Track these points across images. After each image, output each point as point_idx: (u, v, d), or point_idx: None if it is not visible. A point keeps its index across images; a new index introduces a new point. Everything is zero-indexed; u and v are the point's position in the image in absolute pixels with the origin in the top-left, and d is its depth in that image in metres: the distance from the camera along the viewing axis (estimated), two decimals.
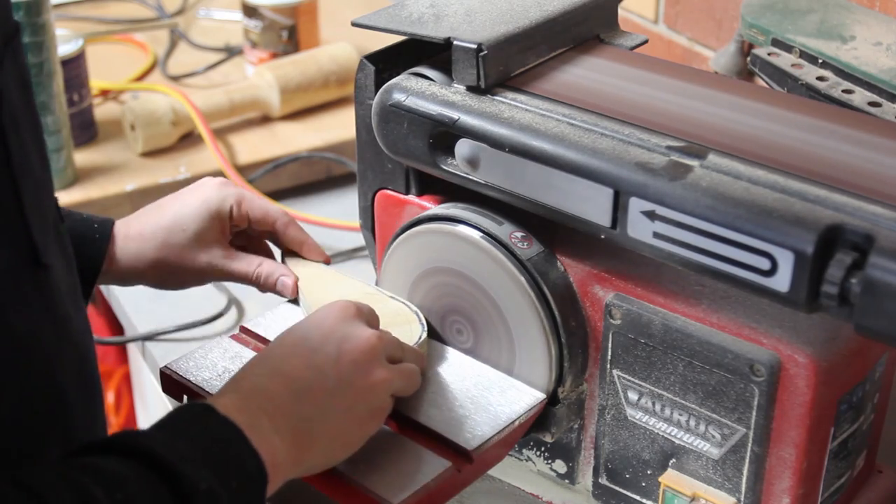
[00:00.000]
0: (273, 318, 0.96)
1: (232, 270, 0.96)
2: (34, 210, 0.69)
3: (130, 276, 0.97)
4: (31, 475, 0.62)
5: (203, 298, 1.25)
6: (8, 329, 0.67)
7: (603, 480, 0.90)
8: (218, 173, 1.38)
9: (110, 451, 0.67)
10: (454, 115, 0.85)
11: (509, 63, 0.88)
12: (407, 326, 0.91)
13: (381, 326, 0.87)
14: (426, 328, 0.91)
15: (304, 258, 0.99)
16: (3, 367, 0.67)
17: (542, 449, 0.94)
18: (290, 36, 1.59)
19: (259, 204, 0.97)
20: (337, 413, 0.78)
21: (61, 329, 0.73)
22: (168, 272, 0.96)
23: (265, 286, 0.97)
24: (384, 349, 0.82)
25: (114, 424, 1.71)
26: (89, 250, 0.93)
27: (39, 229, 0.70)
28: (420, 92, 0.87)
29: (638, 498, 0.89)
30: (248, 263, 0.97)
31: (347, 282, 0.97)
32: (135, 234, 0.95)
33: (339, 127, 1.49)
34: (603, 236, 0.81)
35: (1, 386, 0.66)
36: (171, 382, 0.90)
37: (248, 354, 0.91)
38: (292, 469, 0.75)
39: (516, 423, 0.86)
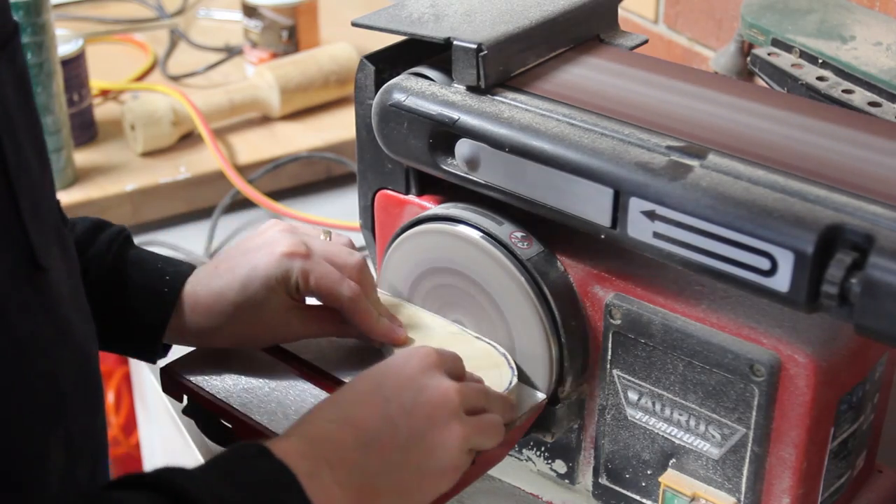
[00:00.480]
0: None
1: (315, 334, 0.90)
2: (32, 213, 0.68)
3: (199, 342, 0.91)
4: None
5: None
6: (7, 332, 0.66)
7: (603, 480, 0.90)
8: (218, 173, 1.38)
9: (144, 487, 0.65)
10: (454, 115, 0.85)
11: (509, 63, 0.88)
12: (496, 371, 0.87)
13: (468, 369, 0.83)
14: (516, 372, 0.87)
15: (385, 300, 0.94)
16: (3, 369, 0.66)
17: (542, 449, 0.94)
18: (290, 36, 1.59)
19: (327, 282, 0.87)
20: (406, 469, 0.74)
21: (62, 332, 0.72)
22: (240, 341, 0.90)
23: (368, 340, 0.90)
24: (463, 402, 0.78)
25: (114, 424, 1.71)
26: (155, 303, 0.89)
27: (38, 232, 0.69)
28: (420, 92, 0.87)
29: (638, 498, 0.89)
30: (332, 325, 0.89)
31: (431, 321, 0.93)
32: (203, 305, 0.88)
33: (339, 127, 1.49)
34: (603, 236, 0.81)
35: (1, 389, 0.66)
36: (172, 382, 0.90)
37: (246, 354, 0.91)
38: None
39: (516, 423, 0.86)
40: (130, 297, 0.87)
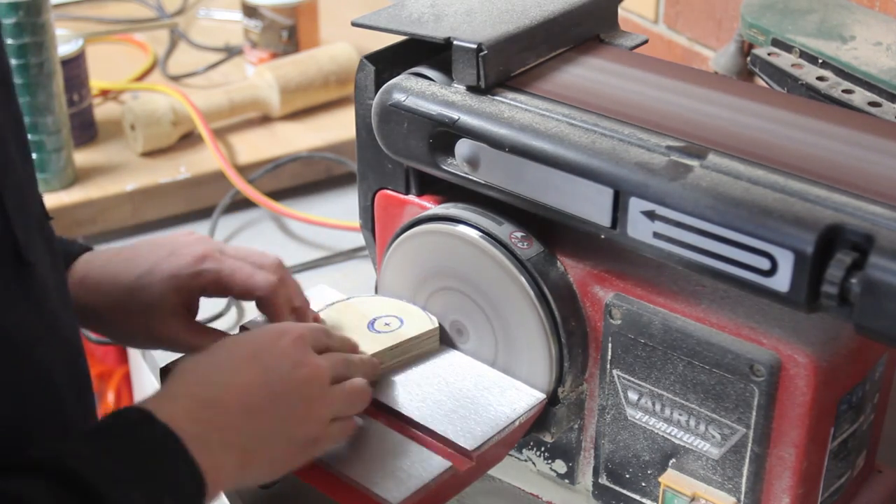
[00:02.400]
0: None
1: (191, 346, 0.88)
2: (16, 208, 0.69)
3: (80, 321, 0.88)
4: None
5: (203, 299, 1.25)
6: None
7: (603, 480, 0.90)
8: (218, 173, 1.38)
9: (34, 470, 0.64)
10: (454, 115, 0.85)
11: (509, 63, 0.88)
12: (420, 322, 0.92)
13: (392, 314, 0.88)
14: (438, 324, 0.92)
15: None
16: None
17: (542, 449, 0.94)
18: (290, 36, 1.59)
19: (241, 279, 0.88)
20: (280, 438, 0.77)
21: (50, 327, 0.72)
22: (117, 331, 0.90)
23: None
24: (333, 375, 0.81)
25: None
26: None
27: (22, 227, 0.69)
28: (420, 92, 0.87)
29: (638, 498, 0.89)
30: (210, 340, 0.87)
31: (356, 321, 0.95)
32: (92, 283, 0.88)
33: (339, 127, 1.49)
34: (603, 236, 0.81)
35: None
36: None
37: None
38: (232, 485, 0.74)
39: (516, 423, 0.86)
40: None
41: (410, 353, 0.92)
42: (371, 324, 0.93)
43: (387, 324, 0.92)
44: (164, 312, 0.87)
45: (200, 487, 0.69)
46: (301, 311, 0.91)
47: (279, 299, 0.88)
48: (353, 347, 0.88)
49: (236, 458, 0.73)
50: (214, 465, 0.71)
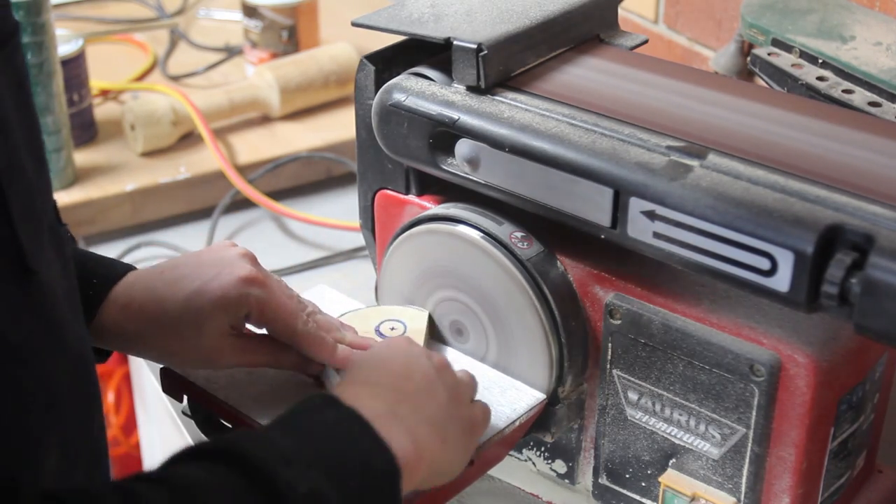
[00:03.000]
0: None
1: (246, 364, 0.86)
2: (24, 214, 0.67)
3: (120, 347, 0.87)
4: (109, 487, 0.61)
5: None
6: None
7: (603, 480, 0.90)
8: (218, 173, 1.38)
9: (203, 457, 0.64)
10: (454, 115, 0.85)
11: (509, 63, 0.88)
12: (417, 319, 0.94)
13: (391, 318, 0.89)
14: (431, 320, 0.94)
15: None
16: None
17: (542, 449, 0.94)
18: (290, 36, 1.59)
19: (284, 314, 0.84)
20: (448, 427, 0.76)
21: (55, 336, 0.71)
22: (163, 356, 0.87)
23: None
24: (472, 391, 0.82)
25: (114, 425, 1.71)
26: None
27: (29, 234, 0.68)
28: (420, 92, 0.87)
29: (638, 498, 0.89)
30: (266, 355, 0.86)
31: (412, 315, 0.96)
32: (136, 308, 0.84)
33: (339, 127, 1.49)
34: (603, 236, 0.81)
35: None
36: (172, 382, 0.90)
37: None
38: (428, 466, 0.72)
39: (516, 423, 0.86)
40: None
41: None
42: (378, 331, 0.92)
43: (392, 328, 0.92)
44: (214, 334, 0.84)
45: (392, 464, 0.67)
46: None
47: (316, 338, 0.85)
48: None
49: (411, 437, 0.71)
50: (406, 440, 0.70)
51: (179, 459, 0.65)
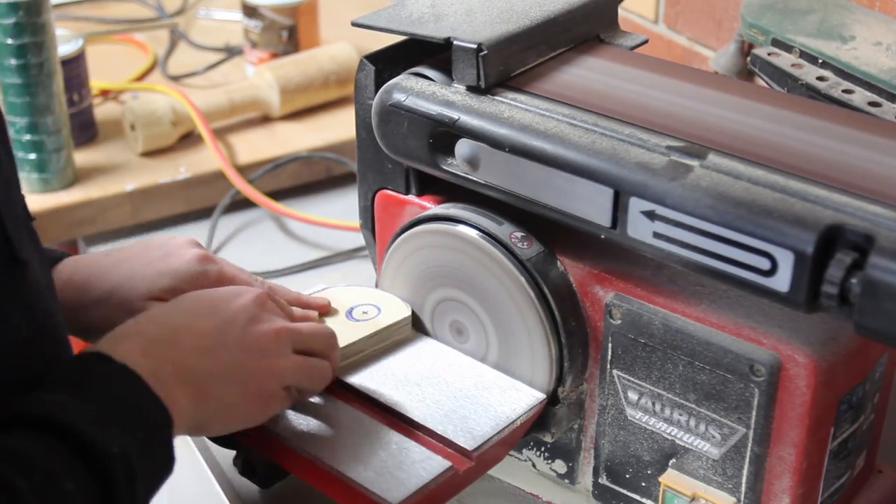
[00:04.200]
0: None
1: None
2: (6, 206, 0.69)
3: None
4: None
5: None
6: None
7: (603, 480, 0.90)
8: (218, 173, 1.38)
9: (19, 426, 0.66)
10: (454, 115, 0.85)
11: (509, 63, 0.88)
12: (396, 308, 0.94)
13: (369, 302, 0.90)
14: (410, 310, 0.95)
15: None
16: None
17: (542, 449, 0.94)
18: (290, 36, 1.59)
19: (239, 282, 0.90)
20: (234, 382, 0.78)
21: (42, 325, 0.73)
22: (99, 329, 0.83)
23: None
24: (290, 340, 0.82)
25: None
26: None
27: (13, 225, 0.69)
28: (420, 92, 0.87)
29: (638, 498, 0.89)
30: None
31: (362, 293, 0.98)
32: (80, 281, 0.88)
33: (339, 127, 1.49)
34: (603, 236, 0.81)
35: None
36: None
37: None
38: (189, 422, 0.75)
39: (516, 423, 0.86)
40: None
41: (389, 341, 0.94)
42: (349, 312, 0.95)
43: (365, 312, 0.94)
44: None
45: (165, 416, 0.71)
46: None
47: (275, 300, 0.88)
48: (309, 318, 0.89)
49: (190, 391, 0.74)
50: (171, 397, 0.72)
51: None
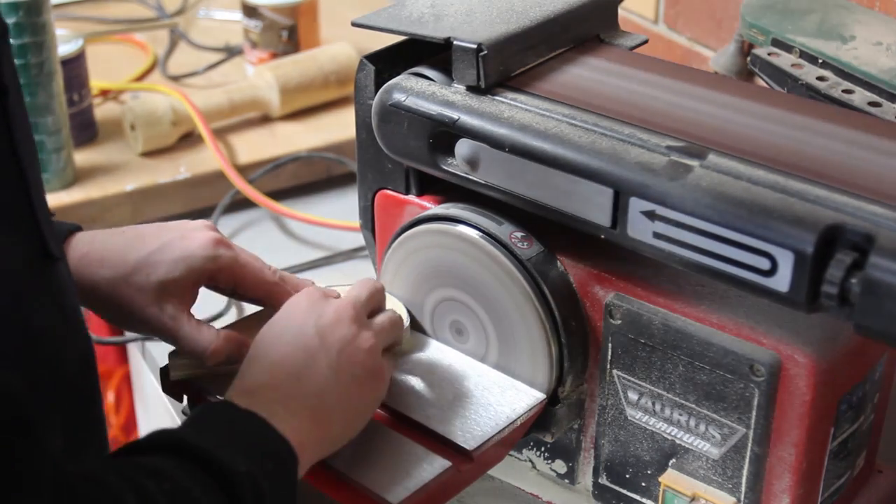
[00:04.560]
0: (269, 317, 0.95)
1: (178, 337, 0.87)
2: (39, 203, 0.70)
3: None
4: (91, 469, 0.64)
5: (203, 298, 1.25)
6: (22, 322, 0.67)
7: (603, 480, 0.90)
8: (218, 173, 1.38)
9: (144, 451, 0.69)
10: (454, 115, 0.85)
11: (509, 63, 0.88)
12: (396, 307, 0.94)
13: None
14: (407, 313, 0.94)
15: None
16: (15, 359, 0.67)
17: (542, 449, 0.94)
18: (290, 36, 1.59)
19: (252, 268, 0.89)
20: (340, 384, 0.79)
21: (69, 322, 0.74)
22: (112, 307, 0.88)
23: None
24: (358, 312, 0.83)
25: (114, 424, 1.71)
26: None
27: (46, 222, 0.71)
28: (420, 92, 0.87)
29: (638, 498, 0.89)
30: (201, 335, 0.87)
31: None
32: (95, 258, 0.87)
33: (339, 127, 1.49)
34: (603, 236, 0.81)
35: (10, 377, 0.67)
36: (172, 382, 0.90)
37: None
38: (319, 446, 0.78)
39: (516, 423, 0.86)
40: None
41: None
42: None
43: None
44: (169, 292, 0.86)
45: (291, 452, 0.73)
46: None
47: (285, 288, 0.90)
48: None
49: (308, 418, 0.77)
50: (292, 432, 0.74)
51: (123, 453, 0.69)
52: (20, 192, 0.68)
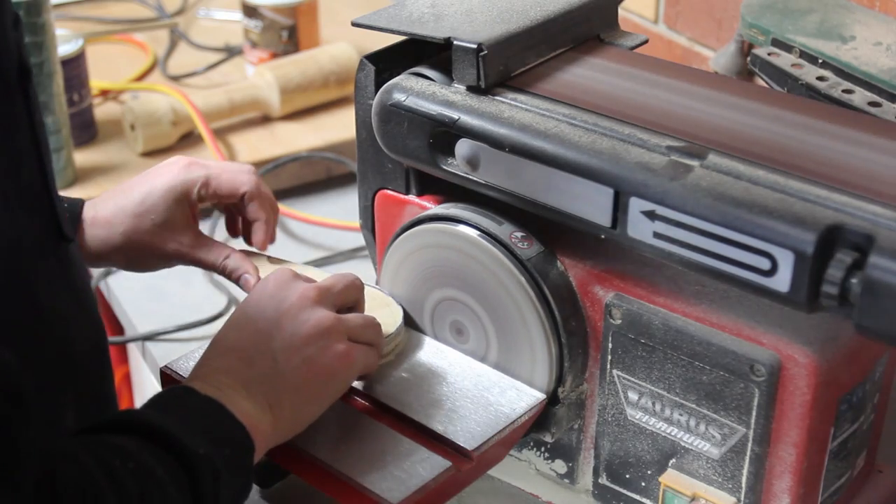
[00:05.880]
0: None
1: (198, 258, 0.96)
2: (54, 186, 0.73)
3: (98, 259, 0.97)
4: (69, 446, 0.66)
5: (203, 298, 1.25)
6: (33, 300, 0.69)
7: (603, 480, 0.90)
8: None
9: (111, 429, 0.70)
10: (454, 114, 0.85)
11: (509, 63, 0.88)
12: (387, 309, 0.93)
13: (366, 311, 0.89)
14: (402, 312, 0.94)
15: (272, 257, 1.00)
16: (26, 336, 0.68)
17: (542, 449, 0.94)
18: (290, 36, 1.59)
19: (227, 179, 0.96)
20: (292, 366, 0.79)
21: (79, 301, 0.76)
22: (135, 256, 0.96)
23: (230, 278, 0.97)
24: (323, 298, 0.83)
25: None
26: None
27: (60, 204, 0.73)
28: (420, 92, 0.87)
29: (638, 498, 0.89)
30: (216, 254, 0.96)
31: (315, 275, 0.96)
32: (102, 219, 0.95)
33: (339, 127, 1.49)
34: (603, 236, 0.81)
35: (21, 354, 0.68)
36: (172, 382, 0.90)
37: None
38: (272, 431, 0.78)
39: (516, 423, 0.86)
40: None
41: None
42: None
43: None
44: (173, 226, 0.94)
45: (247, 437, 0.74)
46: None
47: (262, 194, 0.96)
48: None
49: (261, 402, 0.77)
50: (245, 415, 0.75)
51: (89, 431, 0.71)
52: (38, 172, 0.70)
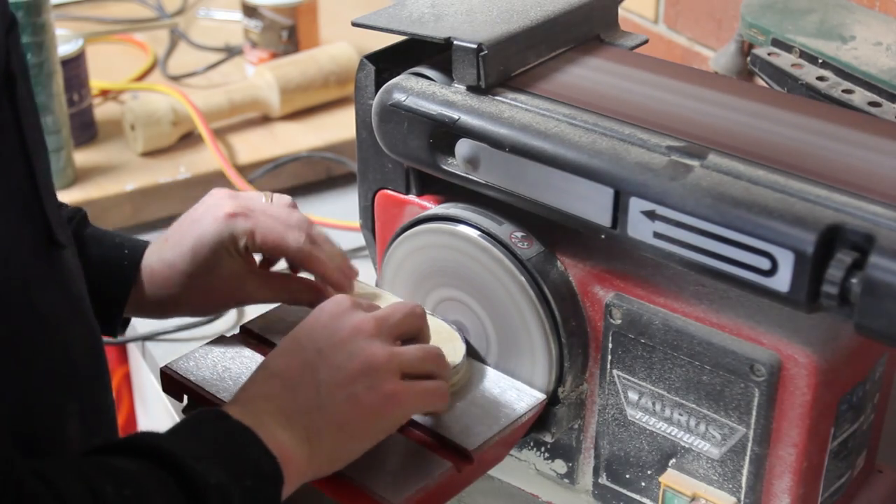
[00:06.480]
0: (272, 318, 0.95)
1: (269, 298, 0.93)
2: (46, 192, 0.71)
3: (165, 315, 0.96)
4: (48, 466, 0.64)
5: None
6: (28, 306, 0.68)
7: (603, 480, 0.90)
8: (218, 173, 1.38)
9: (120, 451, 0.68)
10: (454, 114, 0.85)
11: (509, 63, 0.88)
12: (450, 344, 0.89)
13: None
14: (466, 347, 0.90)
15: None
16: (23, 343, 0.68)
17: (542, 449, 0.94)
18: (290, 36, 1.59)
19: (273, 238, 0.90)
20: (336, 401, 0.76)
21: (75, 308, 0.75)
22: (202, 309, 0.95)
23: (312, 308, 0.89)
24: (379, 331, 0.80)
25: None
26: (116, 276, 0.91)
27: (53, 209, 0.72)
28: (420, 92, 0.87)
29: (638, 498, 0.89)
30: (289, 290, 0.93)
31: (385, 300, 0.94)
32: (160, 278, 0.92)
33: (339, 127, 1.49)
34: (603, 236, 0.81)
35: (19, 362, 0.68)
36: (172, 382, 0.90)
37: (247, 354, 0.91)
38: (307, 465, 0.75)
39: (516, 423, 0.86)
40: (90, 271, 0.85)
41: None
42: None
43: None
44: (228, 275, 0.91)
45: (277, 470, 0.72)
46: (335, 278, 0.92)
47: (311, 254, 0.90)
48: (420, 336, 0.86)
49: (298, 434, 0.75)
50: (280, 446, 0.73)
51: (99, 452, 0.69)
52: (27, 178, 0.69)
